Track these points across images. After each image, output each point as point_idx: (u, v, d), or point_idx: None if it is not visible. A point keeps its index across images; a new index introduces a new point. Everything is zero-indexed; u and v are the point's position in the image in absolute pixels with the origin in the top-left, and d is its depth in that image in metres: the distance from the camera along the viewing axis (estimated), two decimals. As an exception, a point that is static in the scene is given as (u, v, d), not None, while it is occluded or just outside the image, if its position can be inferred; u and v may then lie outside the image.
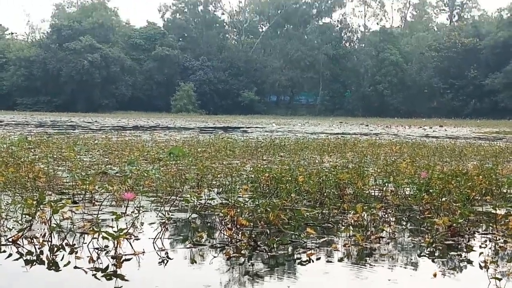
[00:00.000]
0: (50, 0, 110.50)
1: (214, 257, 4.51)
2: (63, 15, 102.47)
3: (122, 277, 3.94)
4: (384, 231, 5.28)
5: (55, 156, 12.61)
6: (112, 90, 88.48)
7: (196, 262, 4.45)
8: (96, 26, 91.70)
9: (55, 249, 4.54)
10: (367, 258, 4.53)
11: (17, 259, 4.36)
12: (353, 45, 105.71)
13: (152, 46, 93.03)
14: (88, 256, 4.30)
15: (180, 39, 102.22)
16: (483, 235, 5.30)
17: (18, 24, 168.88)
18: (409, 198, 6.92)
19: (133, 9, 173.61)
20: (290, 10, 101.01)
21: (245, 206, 5.59)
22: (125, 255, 4.38)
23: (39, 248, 4.56)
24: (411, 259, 4.60)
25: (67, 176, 8.91)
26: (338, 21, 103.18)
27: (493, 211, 5.76)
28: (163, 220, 5.34)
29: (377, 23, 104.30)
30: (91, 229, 4.69)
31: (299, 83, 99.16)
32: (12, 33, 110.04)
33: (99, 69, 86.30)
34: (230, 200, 6.03)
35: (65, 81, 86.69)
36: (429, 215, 5.91)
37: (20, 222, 5.14)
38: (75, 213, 5.66)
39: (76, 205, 6.23)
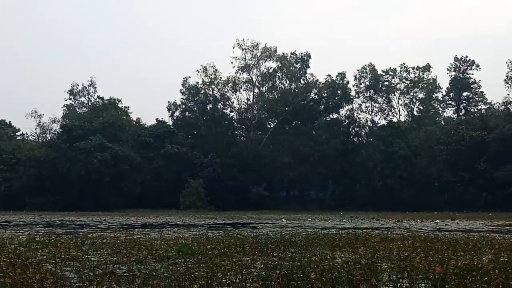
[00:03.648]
0: (62, 102, 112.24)
1: None
2: (74, 115, 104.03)
3: None
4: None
5: (63, 256, 12.48)
6: (121, 188, 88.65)
7: None
8: (107, 125, 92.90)
9: None
10: None
11: None
12: (361, 140, 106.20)
13: (161, 144, 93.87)
14: None
15: (189, 136, 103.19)
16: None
17: (29, 124, 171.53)
18: (425, 295, 6.72)
19: (143, 107, 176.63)
20: (298, 107, 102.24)
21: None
22: None
23: None
24: None
25: (75, 277, 8.75)
26: (345, 116, 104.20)
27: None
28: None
29: (384, 118, 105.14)
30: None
31: (308, 178, 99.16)
32: (23, 134, 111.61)
33: (108, 168, 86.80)
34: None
35: (74, 180, 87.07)
36: (447, 312, 5.72)
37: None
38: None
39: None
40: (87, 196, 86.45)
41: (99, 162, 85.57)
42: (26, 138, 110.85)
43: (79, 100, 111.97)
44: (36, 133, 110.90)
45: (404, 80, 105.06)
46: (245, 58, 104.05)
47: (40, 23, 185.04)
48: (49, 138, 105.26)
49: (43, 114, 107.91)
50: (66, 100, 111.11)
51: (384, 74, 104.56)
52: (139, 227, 34.35)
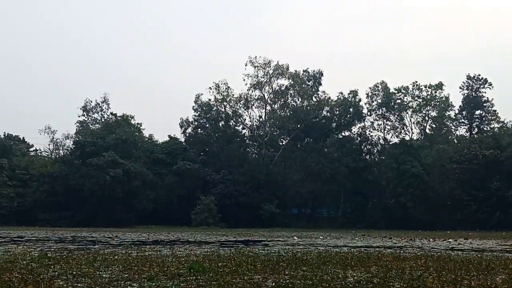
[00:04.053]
0: (75, 118, 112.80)
1: None
2: (87, 131, 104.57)
3: None
4: None
5: (74, 273, 12.49)
6: (133, 204, 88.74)
7: None
8: (119, 142, 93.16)
9: None
10: None
11: None
12: (374, 158, 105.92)
13: (174, 160, 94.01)
14: None
15: (201, 153, 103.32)
16: None
17: (42, 140, 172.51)
18: (437, 315, 6.67)
19: (155, 124, 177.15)
20: (310, 124, 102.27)
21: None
22: None
23: None
24: None
25: (86, 293, 8.75)
26: (357, 134, 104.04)
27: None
28: None
29: (397, 136, 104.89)
30: None
31: (320, 196, 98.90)
32: (36, 150, 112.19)
33: (121, 184, 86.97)
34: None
35: (87, 196, 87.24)
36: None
37: None
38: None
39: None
40: (99, 212, 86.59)
41: (111, 178, 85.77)
42: (40, 154, 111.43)
43: (92, 117, 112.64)
44: (49, 149, 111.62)
45: (416, 98, 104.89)
46: (257, 76, 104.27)
47: (54, 39, 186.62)
48: (62, 154, 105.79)
49: (57, 130, 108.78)
50: (79, 117, 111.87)
51: (396, 92, 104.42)
52: (150, 243, 34.35)
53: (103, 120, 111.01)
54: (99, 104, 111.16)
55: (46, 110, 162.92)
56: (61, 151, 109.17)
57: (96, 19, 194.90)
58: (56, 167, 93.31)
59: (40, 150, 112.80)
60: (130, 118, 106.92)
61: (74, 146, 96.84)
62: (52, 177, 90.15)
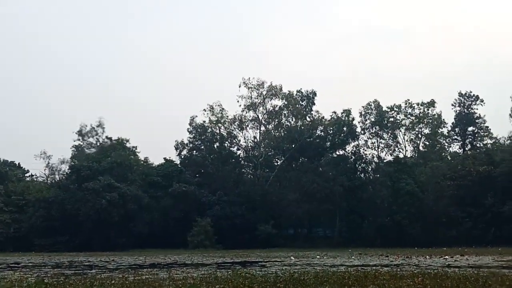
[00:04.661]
0: (70, 143, 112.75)
1: None
2: (83, 156, 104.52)
3: None
4: None
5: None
6: (129, 228, 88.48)
7: None
8: (115, 165, 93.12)
9: None
10: None
11: None
12: (368, 176, 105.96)
13: (169, 183, 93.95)
14: None
15: (197, 175, 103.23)
16: None
17: (38, 165, 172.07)
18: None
19: (151, 146, 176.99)
20: (305, 144, 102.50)
21: None
22: None
23: None
24: None
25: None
26: (351, 152, 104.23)
27: None
28: None
29: (391, 154, 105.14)
30: None
31: (316, 215, 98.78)
32: (32, 175, 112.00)
33: (117, 208, 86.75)
34: None
35: (83, 220, 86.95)
36: None
37: None
38: None
39: None
40: (95, 237, 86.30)
41: (107, 202, 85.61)
42: (35, 179, 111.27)
43: (87, 141, 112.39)
44: (45, 174, 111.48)
45: (409, 116, 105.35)
46: (251, 97, 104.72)
47: (49, 64, 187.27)
48: (58, 179, 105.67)
49: (52, 155, 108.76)
50: (74, 141, 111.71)
51: (389, 110, 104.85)
52: (147, 267, 34.34)
53: (98, 144, 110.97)
54: (94, 128, 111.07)
55: (41, 135, 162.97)
56: (56, 176, 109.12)
57: (91, 44, 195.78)
58: (52, 192, 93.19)
59: (35, 175, 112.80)
60: (125, 142, 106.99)
61: (69, 170, 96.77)
62: (48, 202, 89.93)
